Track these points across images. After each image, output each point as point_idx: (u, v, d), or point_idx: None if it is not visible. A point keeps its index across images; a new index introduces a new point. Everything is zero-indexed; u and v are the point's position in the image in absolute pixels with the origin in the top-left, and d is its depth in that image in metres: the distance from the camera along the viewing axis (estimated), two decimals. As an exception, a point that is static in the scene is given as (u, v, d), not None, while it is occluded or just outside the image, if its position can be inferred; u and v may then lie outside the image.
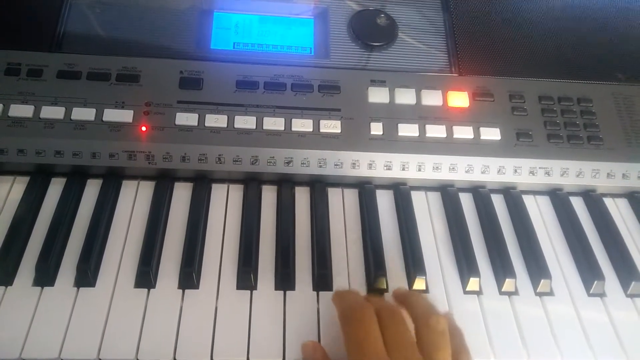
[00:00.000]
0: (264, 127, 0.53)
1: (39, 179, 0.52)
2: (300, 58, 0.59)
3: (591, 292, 0.49)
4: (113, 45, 0.56)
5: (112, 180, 0.52)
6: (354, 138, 0.54)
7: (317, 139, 0.53)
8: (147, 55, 0.56)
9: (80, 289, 0.45)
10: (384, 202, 0.54)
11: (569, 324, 0.47)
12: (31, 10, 0.58)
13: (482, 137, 0.55)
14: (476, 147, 0.55)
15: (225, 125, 0.52)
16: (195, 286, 0.46)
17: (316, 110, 0.54)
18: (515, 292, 0.49)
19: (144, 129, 0.52)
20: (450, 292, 0.48)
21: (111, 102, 0.52)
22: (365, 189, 0.54)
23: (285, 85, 0.55)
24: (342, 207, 0.53)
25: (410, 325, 0.41)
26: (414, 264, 0.49)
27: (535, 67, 0.61)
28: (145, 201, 0.52)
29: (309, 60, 0.59)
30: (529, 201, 0.56)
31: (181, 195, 0.53)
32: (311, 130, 0.53)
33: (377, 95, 0.56)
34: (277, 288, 0.47)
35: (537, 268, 0.50)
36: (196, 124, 0.52)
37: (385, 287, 0.48)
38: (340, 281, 0.48)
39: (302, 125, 0.53)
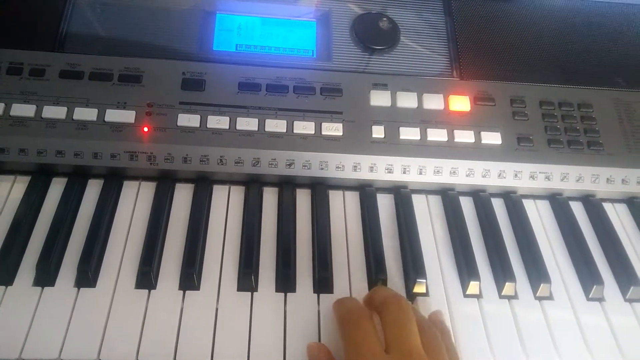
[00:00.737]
0: (266, 129, 0.53)
1: (40, 178, 0.52)
2: (303, 60, 0.59)
3: (590, 296, 0.50)
4: (115, 45, 0.56)
5: (114, 181, 0.52)
6: (356, 141, 0.54)
7: (318, 142, 0.53)
8: (149, 56, 0.56)
9: (81, 289, 0.45)
10: (385, 205, 0.54)
11: (568, 328, 0.47)
12: (34, 10, 0.57)
13: (483, 141, 0.55)
14: (477, 151, 0.55)
15: (227, 127, 0.53)
16: (196, 287, 0.46)
17: (318, 113, 0.55)
18: (515, 296, 0.49)
19: (145, 129, 0.52)
20: (450, 295, 0.48)
21: (113, 102, 0.52)
22: (366, 192, 0.54)
23: (288, 88, 0.56)
24: (343, 209, 0.54)
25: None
26: (414, 267, 0.49)
27: (536, 72, 0.61)
28: (147, 202, 0.52)
29: (311, 63, 0.59)
30: (529, 205, 0.56)
31: (182, 196, 0.53)
32: (313, 132, 0.53)
33: (379, 99, 0.56)
34: (277, 290, 0.47)
35: (537, 272, 0.50)
36: (198, 125, 0.52)
37: (386, 290, 0.48)
38: (341, 284, 0.48)
39: (304, 127, 0.53)
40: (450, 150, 0.54)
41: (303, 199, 0.54)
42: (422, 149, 0.54)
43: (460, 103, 0.57)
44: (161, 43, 0.57)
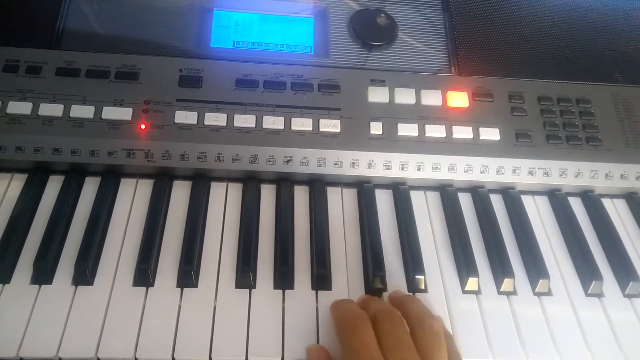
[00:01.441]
0: (264, 126, 0.53)
1: (37, 176, 0.51)
2: (300, 57, 0.59)
3: (589, 292, 0.49)
4: (112, 42, 0.56)
5: (111, 178, 0.52)
6: (354, 137, 0.54)
7: (316, 138, 0.53)
8: (146, 53, 0.56)
9: (79, 287, 0.45)
10: (383, 201, 0.54)
11: (567, 324, 0.47)
12: (30, 7, 0.57)
13: (481, 137, 0.55)
14: (475, 147, 0.55)
15: (224, 124, 0.52)
16: (194, 285, 0.46)
17: (316, 110, 0.54)
18: (514, 292, 0.49)
19: (143, 127, 0.51)
20: (448, 291, 0.48)
21: (110, 99, 0.52)
22: (365, 189, 0.54)
23: (285, 84, 0.55)
24: (341, 206, 0.53)
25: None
26: (412, 263, 0.49)
27: (534, 68, 0.61)
28: (144, 199, 0.51)
29: (309, 59, 0.59)
30: (527, 201, 0.56)
31: (180, 193, 0.52)
32: (311, 129, 0.53)
33: (377, 95, 0.56)
34: (276, 287, 0.47)
35: (536, 268, 0.50)
36: (195, 122, 0.52)
37: (384, 287, 0.48)
38: (339, 280, 0.48)
39: (302, 124, 0.53)
40: (448, 146, 0.54)
41: (301, 196, 0.54)
42: (421, 145, 0.54)
43: (459, 99, 0.57)
44: (158, 40, 0.57)
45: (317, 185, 0.54)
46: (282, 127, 0.53)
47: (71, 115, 0.51)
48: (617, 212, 0.57)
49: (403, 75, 0.58)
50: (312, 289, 0.47)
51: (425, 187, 0.56)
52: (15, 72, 0.53)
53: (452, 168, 0.54)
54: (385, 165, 0.53)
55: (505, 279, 0.48)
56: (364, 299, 0.45)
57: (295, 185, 0.54)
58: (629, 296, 0.50)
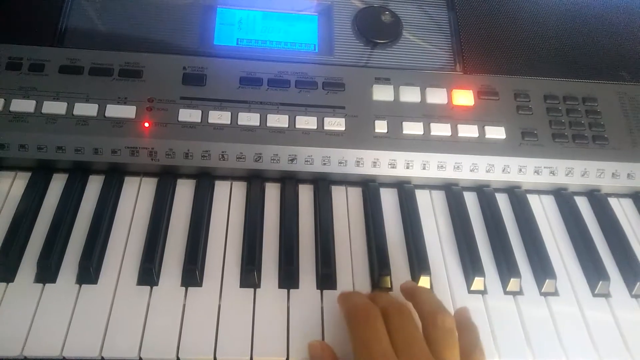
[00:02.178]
0: (268, 124, 0.52)
1: (40, 174, 0.51)
2: (304, 55, 0.58)
3: (596, 292, 0.49)
4: (116, 40, 0.56)
5: (115, 177, 0.52)
6: (358, 136, 0.53)
7: (321, 137, 0.53)
8: (150, 50, 0.55)
9: (83, 286, 0.45)
10: (388, 200, 0.54)
11: (574, 324, 0.47)
12: (33, 4, 0.57)
13: (487, 136, 0.55)
14: (481, 146, 0.54)
15: (228, 122, 0.52)
16: (199, 284, 0.46)
17: (320, 108, 0.54)
18: (520, 292, 0.49)
19: (146, 125, 0.51)
20: (454, 291, 0.48)
21: (113, 97, 0.52)
22: (370, 187, 0.54)
23: (289, 82, 0.55)
24: (346, 205, 0.53)
25: (418, 322, 0.41)
26: (418, 262, 0.48)
27: (540, 66, 0.60)
28: (148, 198, 0.51)
29: (313, 57, 0.58)
30: (533, 200, 0.55)
31: (184, 192, 0.52)
32: (315, 127, 0.53)
33: (382, 93, 0.55)
34: (280, 286, 0.47)
35: (542, 268, 0.49)
36: (199, 120, 0.52)
37: (390, 286, 0.47)
38: (344, 280, 0.48)
39: (306, 122, 0.53)
40: (453, 145, 0.54)
41: (305, 195, 0.53)
42: (426, 143, 0.54)
43: (464, 97, 0.57)
44: (162, 38, 0.57)
45: (322, 184, 0.53)
46: (287, 126, 0.53)
47: (75, 113, 0.51)
48: (624, 211, 0.56)
49: (408, 73, 0.57)
50: (317, 288, 0.47)
51: (430, 186, 0.55)
52: (19, 70, 0.52)
53: (458, 167, 0.54)
54: (390, 164, 0.53)
55: (512, 279, 0.48)
56: (373, 294, 0.45)
57: (300, 184, 0.54)
58: (636, 296, 0.50)
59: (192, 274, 0.46)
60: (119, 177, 0.52)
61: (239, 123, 0.52)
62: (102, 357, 0.42)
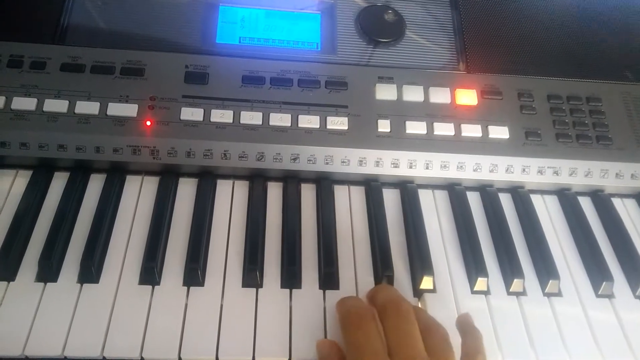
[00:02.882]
0: (270, 123, 0.52)
1: (41, 173, 0.51)
2: (307, 53, 0.58)
3: (599, 293, 0.49)
4: (117, 38, 0.55)
5: (116, 175, 0.51)
6: (361, 135, 0.53)
7: (323, 136, 0.52)
8: (151, 48, 0.55)
9: (84, 285, 0.45)
10: (391, 200, 0.54)
11: (577, 325, 0.47)
12: (34, 2, 0.57)
13: (490, 136, 0.54)
14: (484, 146, 0.54)
15: (231, 121, 0.52)
16: (200, 283, 0.46)
17: (323, 107, 0.54)
18: (523, 293, 0.48)
19: (148, 123, 0.51)
20: (457, 291, 0.48)
21: (115, 95, 0.52)
22: (372, 187, 0.54)
23: (292, 81, 0.55)
24: (349, 204, 0.53)
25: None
26: (421, 263, 0.48)
27: (544, 66, 0.60)
28: (150, 197, 0.51)
29: (316, 56, 0.58)
30: (536, 201, 0.55)
31: (186, 191, 0.52)
32: (318, 126, 0.53)
33: (385, 92, 0.55)
34: (283, 286, 0.46)
35: (545, 268, 0.49)
36: (201, 119, 0.51)
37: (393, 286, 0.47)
38: (346, 280, 0.47)
39: (309, 121, 0.53)
40: (457, 144, 0.54)
41: (308, 194, 0.53)
42: (429, 143, 0.53)
43: (467, 97, 0.56)
44: (164, 36, 0.56)
45: (324, 184, 0.53)
46: (289, 125, 0.52)
47: (76, 111, 0.50)
48: (628, 212, 0.56)
49: (411, 73, 0.57)
50: (320, 288, 0.47)
51: (433, 185, 0.55)
52: (20, 68, 0.52)
53: (461, 166, 0.54)
54: (393, 164, 0.53)
55: (515, 280, 0.48)
56: (376, 288, 0.45)
57: (302, 183, 0.54)
58: (640, 297, 0.49)
59: (194, 273, 0.45)
60: (121, 176, 0.52)
61: (242, 122, 0.52)
62: (104, 357, 0.41)
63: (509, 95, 0.57)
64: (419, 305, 0.47)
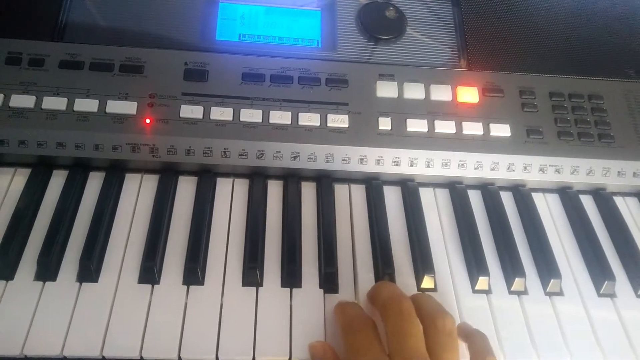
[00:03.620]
0: (270, 121, 0.52)
1: (40, 171, 0.51)
2: (307, 50, 0.58)
3: (601, 292, 0.49)
4: (116, 35, 0.55)
5: (115, 173, 0.51)
6: (362, 133, 0.53)
7: (324, 134, 0.52)
8: (151, 45, 0.55)
9: (83, 284, 0.44)
10: (392, 198, 0.53)
11: (579, 324, 0.47)
12: (33, -2, 0.56)
13: (491, 134, 0.54)
14: (486, 144, 0.54)
15: (230, 119, 0.51)
16: (200, 282, 0.45)
17: (323, 104, 0.53)
18: (525, 292, 0.48)
19: (147, 121, 0.51)
20: (458, 290, 0.48)
21: (114, 93, 0.51)
22: (373, 185, 0.53)
23: (292, 78, 0.54)
24: (349, 203, 0.53)
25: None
26: (422, 261, 0.48)
27: (546, 63, 0.60)
28: (149, 195, 0.51)
29: (316, 53, 0.58)
30: (538, 199, 0.55)
31: (185, 189, 0.52)
32: (318, 124, 0.52)
33: (386, 90, 0.55)
34: (283, 285, 0.46)
35: (547, 267, 0.49)
36: (201, 116, 0.51)
37: (393, 285, 0.47)
38: (347, 278, 0.47)
39: (309, 119, 0.52)
40: (458, 142, 0.53)
41: (308, 192, 0.53)
42: (430, 141, 0.53)
43: (469, 94, 0.56)
44: (163, 33, 0.56)
45: (325, 182, 0.53)
46: (289, 122, 0.52)
47: (75, 109, 0.50)
48: (630, 210, 0.56)
49: (412, 70, 0.57)
50: (320, 287, 0.46)
51: (434, 184, 0.55)
52: (18, 65, 0.52)
53: (462, 165, 0.53)
54: (394, 162, 0.53)
55: (516, 279, 0.48)
56: (377, 285, 0.44)
57: (303, 181, 0.53)
58: (642, 296, 0.49)
59: (194, 272, 0.45)
60: (120, 174, 0.52)
61: (241, 119, 0.51)
62: (103, 357, 0.41)
63: (510, 92, 0.57)
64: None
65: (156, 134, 0.50)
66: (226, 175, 0.53)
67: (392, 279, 0.47)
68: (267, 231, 0.49)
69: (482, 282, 0.47)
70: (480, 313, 0.46)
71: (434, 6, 0.62)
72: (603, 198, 0.56)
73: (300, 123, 0.52)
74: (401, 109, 0.54)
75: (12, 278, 0.44)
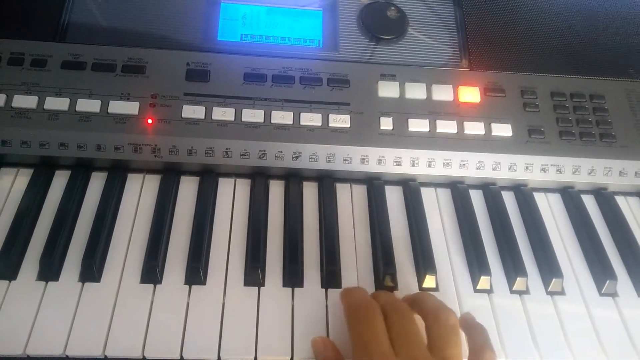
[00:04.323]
0: (272, 121, 0.52)
1: (43, 171, 0.51)
2: (309, 51, 0.58)
3: (603, 291, 0.49)
4: (118, 35, 0.55)
5: (117, 174, 0.51)
6: (364, 133, 0.53)
7: (325, 134, 0.52)
8: (153, 46, 0.55)
9: (85, 284, 0.45)
10: (393, 198, 0.53)
11: (581, 323, 0.47)
12: (35, -1, 0.56)
13: (493, 133, 0.54)
14: (487, 144, 0.54)
15: (232, 119, 0.52)
16: (202, 282, 0.45)
17: (325, 104, 0.54)
18: (527, 291, 0.48)
19: (149, 121, 0.51)
20: (460, 290, 0.48)
21: (116, 93, 0.51)
22: (374, 185, 0.53)
23: (294, 79, 0.54)
24: (351, 203, 0.53)
25: (421, 324, 0.41)
26: (424, 261, 0.48)
27: (547, 63, 0.60)
28: (151, 195, 0.51)
29: (318, 53, 0.58)
30: (540, 199, 0.55)
31: (187, 189, 0.52)
32: (320, 124, 0.52)
33: (387, 90, 0.55)
34: (285, 285, 0.46)
35: (549, 267, 0.49)
36: (203, 116, 0.51)
37: (395, 285, 0.47)
38: (349, 278, 0.47)
39: (311, 119, 0.52)
40: (460, 142, 0.53)
41: (310, 192, 0.53)
42: (431, 141, 0.53)
43: (470, 94, 0.56)
44: (165, 33, 0.56)
45: (326, 182, 0.53)
46: (291, 122, 0.52)
47: (77, 109, 0.50)
48: (631, 210, 0.56)
49: (414, 70, 0.57)
50: (322, 286, 0.46)
51: (436, 183, 0.55)
52: (21, 65, 0.52)
53: (464, 164, 0.53)
54: (395, 162, 0.53)
55: (518, 278, 0.48)
56: (374, 294, 0.44)
57: (304, 181, 0.54)
58: (644, 296, 0.49)
59: (196, 272, 0.45)
60: (122, 174, 0.52)
61: (243, 120, 0.52)
62: (106, 356, 0.41)
63: (512, 92, 0.57)
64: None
65: (158, 134, 0.50)
66: (228, 175, 0.53)
67: (393, 278, 0.47)
68: (269, 231, 0.49)
69: (483, 282, 0.48)
70: (481, 312, 0.46)
71: (435, 6, 0.62)
72: (605, 198, 0.56)
73: (302, 123, 0.52)
74: (403, 109, 0.54)
75: (14, 278, 0.44)
